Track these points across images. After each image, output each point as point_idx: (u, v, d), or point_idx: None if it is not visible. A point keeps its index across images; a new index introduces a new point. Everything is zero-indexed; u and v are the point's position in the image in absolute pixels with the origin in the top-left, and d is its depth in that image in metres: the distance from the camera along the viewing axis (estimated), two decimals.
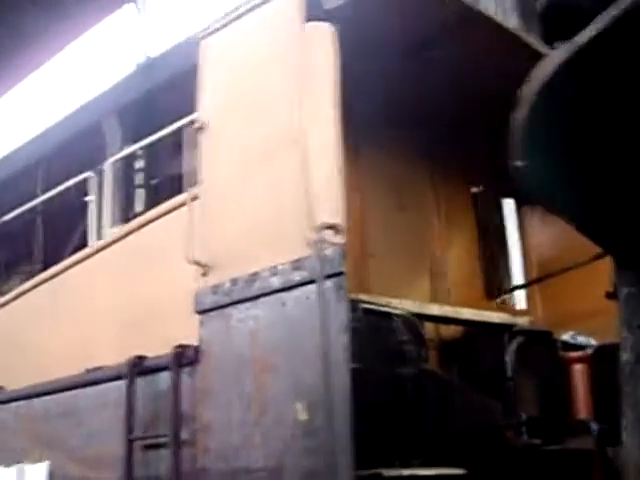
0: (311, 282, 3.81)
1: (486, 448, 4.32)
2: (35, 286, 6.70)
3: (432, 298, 5.65)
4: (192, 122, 4.80)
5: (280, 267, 3.97)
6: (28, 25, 17.55)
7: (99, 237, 13.69)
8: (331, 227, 3.81)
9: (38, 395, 5.38)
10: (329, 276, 3.73)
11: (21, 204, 17.02)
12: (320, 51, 4.10)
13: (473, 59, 4.73)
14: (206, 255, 4.40)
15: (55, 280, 6.36)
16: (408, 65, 4.84)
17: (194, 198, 4.50)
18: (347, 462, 3.52)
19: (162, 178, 14.46)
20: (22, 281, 12.29)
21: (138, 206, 13.17)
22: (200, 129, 4.57)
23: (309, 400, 3.71)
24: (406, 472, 3.73)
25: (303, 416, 3.72)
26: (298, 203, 3.95)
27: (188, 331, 4.43)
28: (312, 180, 3.95)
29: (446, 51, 4.69)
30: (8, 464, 5.53)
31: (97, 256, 5.84)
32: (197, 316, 4.37)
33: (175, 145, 14.17)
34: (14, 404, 5.64)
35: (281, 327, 3.93)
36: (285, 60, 4.22)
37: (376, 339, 4.07)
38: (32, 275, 12.43)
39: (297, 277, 3.89)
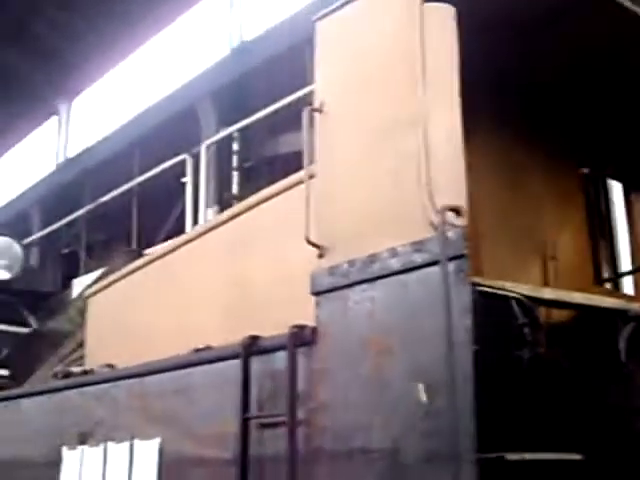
0: (432, 264, 3.79)
1: (605, 433, 4.24)
2: (143, 265, 6.81)
3: (543, 282, 5.58)
4: (298, 103, 4.81)
5: (400, 249, 3.96)
6: (125, 9, 17.81)
7: (195, 218, 13.92)
8: (453, 209, 3.79)
9: (151, 373, 5.45)
10: (451, 258, 3.71)
11: (118, 186, 17.43)
12: (440, 32, 4.07)
13: (596, 37, 4.64)
14: (322, 236, 4.41)
15: (164, 259, 6.46)
16: (526, 44, 4.77)
17: (311, 177, 4.51)
18: (469, 445, 3.51)
19: (256, 161, 14.59)
20: (118, 262, 12.56)
21: (234, 188, 13.30)
22: (317, 109, 4.57)
23: (429, 382, 3.70)
24: (529, 456, 3.68)
25: (423, 398, 3.71)
26: (419, 185, 3.94)
27: (301, 312, 4.46)
28: (433, 162, 3.93)
29: (571, 26, 4.61)
30: (120, 440, 5.63)
31: (207, 235, 5.91)
32: (313, 297, 4.38)
33: (269, 128, 14.33)
34: (126, 382, 5.72)
35: (400, 309, 3.92)
36: (404, 41, 4.19)
37: (494, 322, 4.02)
38: (129, 256, 12.70)
39: (418, 259, 3.87)
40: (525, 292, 4.67)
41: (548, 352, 4.60)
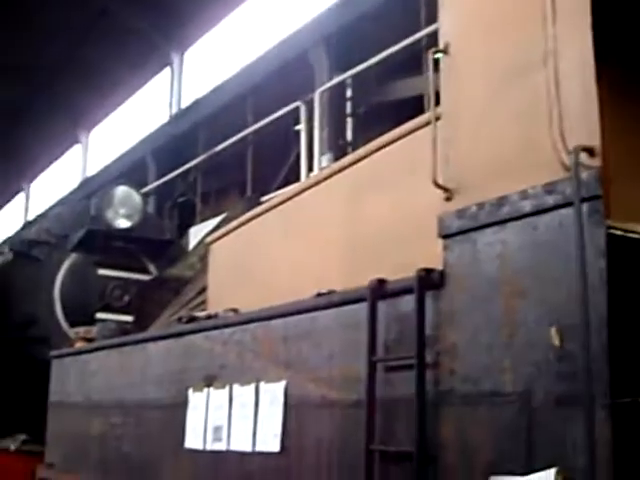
0: (565, 206, 3.72)
1: None
2: (264, 212, 6.89)
3: None
4: (412, 47, 4.74)
5: (531, 191, 3.89)
6: None
7: (309, 166, 13.98)
8: (587, 149, 3.70)
9: (276, 317, 5.53)
10: (585, 199, 3.63)
11: (232, 135, 17.63)
12: None
13: None
14: (450, 179, 4.37)
15: (285, 205, 6.52)
16: None
17: (437, 119, 4.46)
18: (603, 389, 3.46)
19: (370, 107, 14.51)
20: (235, 209, 12.72)
21: (348, 135, 13.28)
22: (442, 51, 4.51)
23: (562, 325, 3.65)
24: None
25: (556, 341, 3.67)
26: (549, 124, 3.86)
27: (425, 256, 4.44)
28: (564, 100, 3.84)
29: None
30: (245, 383, 5.74)
31: (330, 180, 5.93)
32: (440, 241, 4.36)
33: (382, 73, 14.23)
34: (251, 325, 5.82)
35: (532, 251, 3.87)
36: None
37: (629, 265, 3.93)
38: (246, 203, 12.84)
39: (550, 201, 3.80)
40: None
41: None
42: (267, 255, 6.76)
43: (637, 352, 3.70)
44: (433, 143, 4.43)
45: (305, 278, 5.96)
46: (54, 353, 10.09)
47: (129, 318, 11.28)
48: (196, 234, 15.78)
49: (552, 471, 3.52)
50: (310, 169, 13.40)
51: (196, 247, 13.22)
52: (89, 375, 8.83)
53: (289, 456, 5.24)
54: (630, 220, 4.54)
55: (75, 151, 34.59)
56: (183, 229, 17.83)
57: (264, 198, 11.71)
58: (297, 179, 13.04)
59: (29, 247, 13.52)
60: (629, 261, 3.90)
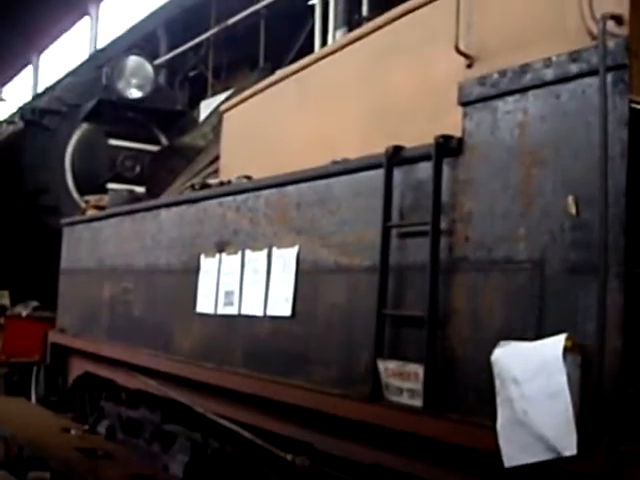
0: (589, 74, 3.68)
1: None
2: (279, 80, 6.82)
3: None
4: None
5: (555, 59, 3.84)
6: None
7: (323, 40, 13.74)
8: (614, 17, 3.63)
9: (291, 183, 5.53)
10: (610, 68, 3.59)
11: (244, 8, 17.30)
12: None
13: None
14: (472, 46, 4.32)
15: (301, 73, 6.45)
16: None
17: None
18: (617, 258, 3.48)
19: None
20: (249, 81, 12.60)
21: (363, 10, 13.00)
22: None
23: (581, 194, 3.65)
24: None
25: (572, 210, 3.68)
26: None
27: (445, 124, 4.42)
28: None
29: None
30: (258, 249, 5.79)
31: (347, 48, 5.86)
32: (460, 108, 4.33)
33: None
34: (264, 192, 5.83)
35: (553, 120, 3.84)
36: None
37: None
38: (259, 75, 12.71)
39: (574, 69, 3.75)
40: None
41: None
42: (281, 124, 6.72)
43: None
44: (457, 8, 4.36)
45: (320, 147, 5.93)
46: (65, 220, 10.15)
47: (140, 189, 11.29)
48: (207, 107, 15.67)
49: (562, 337, 3.57)
50: (324, 44, 13.18)
51: (209, 117, 13.16)
52: (101, 242, 8.90)
53: (300, 320, 5.32)
54: None
55: (84, 23, 34.05)
56: (194, 103, 17.70)
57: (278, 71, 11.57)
58: (310, 54, 12.81)
59: (40, 116, 13.44)
60: None
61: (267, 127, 6.96)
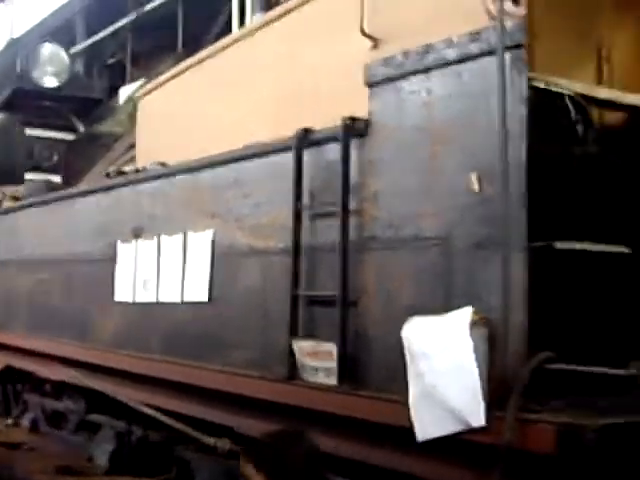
0: (489, 54, 3.75)
1: None
2: (194, 65, 6.79)
3: (597, 81, 5.48)
4: None
5: (456, 39, 3.91)
6: None
7: (241, 25, 13.69)
8: None
9: (204, 167, 5.53)
10: (508, 48, 3.66)
11: None
12: None
13: None
14: (377, 28, 4.37)
15: (215, 58, 6.43)
16: None
17: None
18: (520, 232, 3.57)
19: None
20: (166, 67, 12.48)
21: None
22: None
23: (483, 171, 3.73)
24: (577, 246, 3.75)
25: (475, 186, 3.75)
26: None
27: (354, 106, 4.46)
28: None
29: None
30: (173, 233, 5.78)
31: (258, 32, 5.86)
32: (366, 90, 4.37)
33: None
34: (179, 177, 5.83)
35: (456, 99, 3.91)
36: None
37: (548, 116, 4.00)
38: (177, 60, 12.60)
39: (474, 49, 3.83)
40: (580, 90, 4.62)
41: (599, 150, 4.59)
42: (197, 109, 6.69)
43: (554, 199, 3.81)
44: None
45: (236, 131, 5.92)
46: None
47: (57, 178, 11.15)
48: (126, 94, 15.48)
49: (468, 310, 3.65)
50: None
51: (125, 104, 13.01)
52: (18, 233, 8.79)
53: (217, 305, 5.34)
54: (554, 74, 4.61)
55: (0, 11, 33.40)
56: (114, 90, 17.46)
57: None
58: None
59: None
60: (550, 112, 3.98)
61: (183, 112, 6.93)
